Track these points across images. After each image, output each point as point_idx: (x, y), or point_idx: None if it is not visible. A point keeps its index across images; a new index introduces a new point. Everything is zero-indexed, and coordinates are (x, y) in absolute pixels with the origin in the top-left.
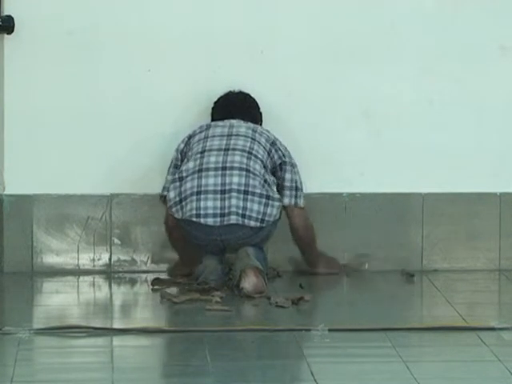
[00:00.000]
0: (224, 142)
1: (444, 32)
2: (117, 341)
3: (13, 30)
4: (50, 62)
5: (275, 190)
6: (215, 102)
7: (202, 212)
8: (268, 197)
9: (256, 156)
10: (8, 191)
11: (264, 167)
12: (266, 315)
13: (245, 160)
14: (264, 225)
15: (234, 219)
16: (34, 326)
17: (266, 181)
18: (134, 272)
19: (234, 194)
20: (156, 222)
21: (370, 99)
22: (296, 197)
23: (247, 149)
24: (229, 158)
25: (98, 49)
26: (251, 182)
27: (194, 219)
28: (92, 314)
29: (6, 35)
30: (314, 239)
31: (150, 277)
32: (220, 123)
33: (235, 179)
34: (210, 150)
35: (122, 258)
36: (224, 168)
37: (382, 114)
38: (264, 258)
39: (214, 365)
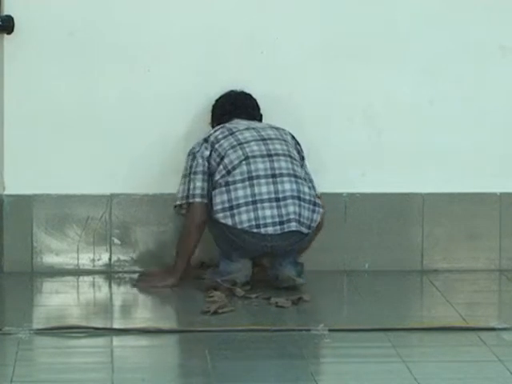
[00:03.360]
0: (263, 147)
1: (444, 32)
2: (117, 341)
3: (13, 30)
4: (50, 62)
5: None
6: (217, 101)
7: (261, 222)
8: (315, 203)
9: (294, 159)
10: (8, 191)
11: (301, 168)
12: (266, 315)
13: (290, 165)
14: (310, 231)
15: (293, 226)
16: (33, 326)
17: (309, 187)
18: (134, 272)
19: (290, 201)
20: (156, 222)
21: (371, 99)
22: (314, 187)
23: (287, 152)
24: (275, 165)
25: (97, 49)
26: (301, 188)
27: (255, 230)
28: (92, 314)
29: (6, 35)
30: (319, 229)
31: None
32: (240, 126)
33: (287, 186)
34: (254, 157)
35: (122, 258)
36: (274, 175)
37: (383, 114)
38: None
39: (213, 365)
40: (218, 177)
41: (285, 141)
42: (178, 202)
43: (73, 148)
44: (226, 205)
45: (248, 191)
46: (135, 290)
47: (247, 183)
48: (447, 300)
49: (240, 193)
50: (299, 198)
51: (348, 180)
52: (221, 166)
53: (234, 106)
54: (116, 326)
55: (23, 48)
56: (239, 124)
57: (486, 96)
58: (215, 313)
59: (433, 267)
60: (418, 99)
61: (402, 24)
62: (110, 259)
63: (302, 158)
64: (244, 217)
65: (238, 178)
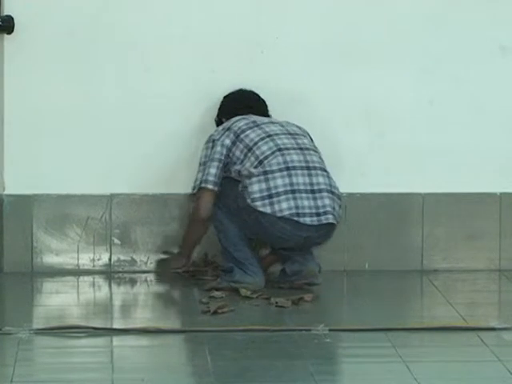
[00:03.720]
0: (292, 141)
1: (444, 32)
2: (117, 341)
3: (13, 30)
4: (50, 62)
5: None
6: (228, 96)
7: (300, 211)
8: (340, 198)
9: (319, 153)
10: (8, 191)
11: None
12: (266, 315)
13: (320, 160)
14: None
15: (331, 218)
16: (34, 326)
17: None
18: (134, 272)
19: (325, 194)
20: (156, 222)
21: (371, 99)
22: None
23: (314, 148)
24: (308, 158)
25: (97, 49)
26: (332, 182)
27: (295, 218)
28: (92, 314)
29: (6, 35)
30: None
31: (150, 277)
32: (263, 120)
33: (321, 179)
34: (287, 149)
35: (122, 258)
36: (308, 167)
37: (383, 114)
38: None
39: (214, 365)
40: (250, 167)
41: (306, 136)
42: (195, 191)
43: (73, 148)
44: (265, 193)
45: (286, 180)
46: (135, 290)
47: (285, 173)
48: (447, 300)
49: (279, 182)
50: (332, 192)
51: (348, 180)
52: (252, 157)
53: (248, 103)
54: (116, 325)
55: (23, 48)
56: (259, 118)
57: (485, 96)
58: (215, 313)
59: (433, 267)
60: (418, 99)
61: (402, 24)
62: (110, 259)
63: None
64: (284, 205)
65: (275, 167)
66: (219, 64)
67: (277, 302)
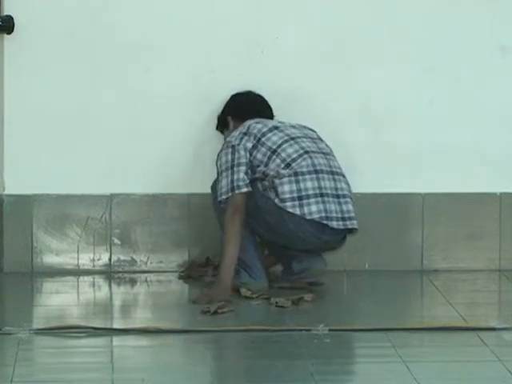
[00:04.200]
0: (314, 145)
1: (444, 32)
2: (117, 341)
3: (13, 30)
4: (50, 62)
5: None
6: (236, 97)
7: (328, 215)
8: (354, 204)
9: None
10: (8, 191)
11: None
12: (266, 315)
13: (339, 165)
14: None
15: (355, 224)
16: (34, 326)
17: None
18: (134, 272)
19: (348, 200)
20: (156, 222)
21: (370, 99)
22: None
23: (332, 153)
24: (331, 163)
25: (97, 49)
26: (350, 188)
27: (325, 222)
28: (92, 314)
29: (6, 35)
30: None
31: (150, 277)
32: (286, 123)
33: (344, 185)
34: (313, 152)
35: (122, 258)
36: (332, 172)
37: (382, 113)
38: None
39: (214, 365)
40: (276, 169)
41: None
42: (224, 197)
43: (73, 148)
44: (295, 194)
45: (315, 183)
46: (135, 290)
47: (314, 176)
48: (447, 300)
49: (309, 184)
50: (351, 198)
51: (348, 180)
52: (277, 160)
53: (256, 106)
54: (116, 325)
55: (23, 48)
56: (273, 121)
57: (485, 96)
58: (215, 313)
59: (433, 267)
60: (418, 99)
61: (402, 24)
62: (110, 259)
63: None
64: (314, 208)
65: (305, 169)
66: (219, 64)
67: (277, 302)
